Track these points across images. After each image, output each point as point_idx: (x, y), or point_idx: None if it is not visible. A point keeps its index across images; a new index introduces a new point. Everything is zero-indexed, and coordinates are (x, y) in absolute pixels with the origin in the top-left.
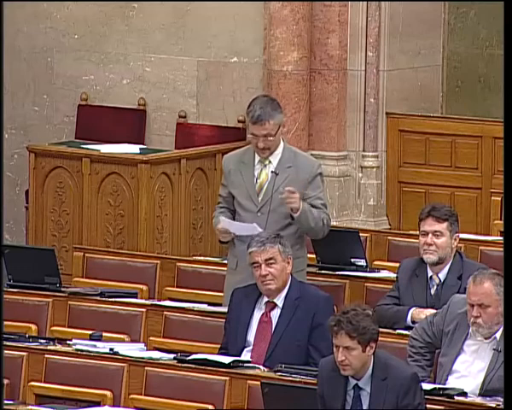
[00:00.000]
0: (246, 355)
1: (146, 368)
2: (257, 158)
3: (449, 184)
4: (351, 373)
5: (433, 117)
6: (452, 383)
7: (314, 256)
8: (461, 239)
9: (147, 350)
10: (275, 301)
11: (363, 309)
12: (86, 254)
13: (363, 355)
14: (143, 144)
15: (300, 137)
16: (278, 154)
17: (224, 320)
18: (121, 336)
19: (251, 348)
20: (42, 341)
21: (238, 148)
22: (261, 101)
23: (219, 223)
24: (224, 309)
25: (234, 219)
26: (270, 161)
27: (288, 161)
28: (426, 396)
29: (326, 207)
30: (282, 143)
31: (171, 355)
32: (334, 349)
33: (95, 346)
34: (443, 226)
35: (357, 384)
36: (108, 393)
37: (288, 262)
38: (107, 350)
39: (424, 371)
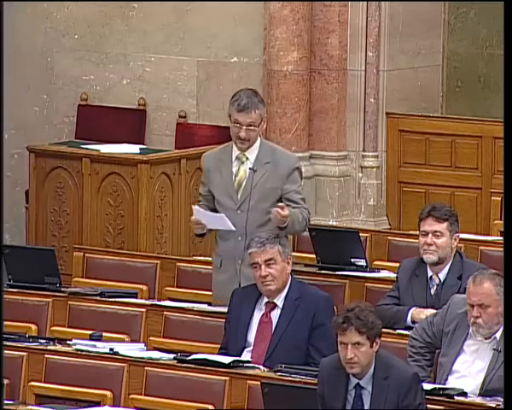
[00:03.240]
0: (246, 355)
1: (146, 368)
2: (234, 155)
3: (449, 184)
4: (357, 371)
5: (433, 117)
6: (452, 383)
7: (314, 256)
8: (461, 239)
9: (147, 350)
10: (275, 301)
11: (365, 305)
12: (86, 254)
13: (370, 351)
14: (143, 144)
15: (300, 137)
16: (255, 149)
17: (224, 320)
18: (121, 336)
19: (251, 348)
20: (42, 341)
21: None
22: (248, 91)
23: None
24: (224, 309)
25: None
26: (247, 158)
27: (266, 157)
28: (426, 396)
29: (304, 202)
30: (258, 139)
31: (171, 355)
32: (341, 347)
33: (95, 346)
34: (443, 226)
35: (358, 384)
36: (108, 393)
37: (288, 262)
38: (107, 350)
39: (424, 371)
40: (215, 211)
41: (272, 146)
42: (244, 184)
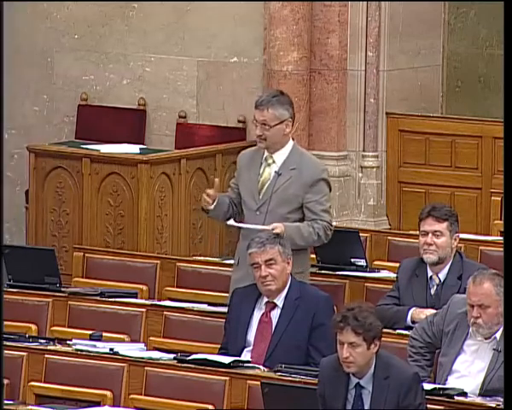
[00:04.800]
0: (246, 355)
1: (146, 368)
2: (264, 156)
3: (449, 184)
4: (354, 370)
5: (433, 117)
6: (452, 383)
7: (314, 256)
8: (461, 239)
9: (147, 350)
10: (275, 301)
11: (367, 306)
12: (86, 254)
13: (367, 353)
14: (143, 144)
15: (300, 137)
16: (284, 154)
17: (224, 320)
18: (121, 336)
19: (251, 348)
20: (42, 341)
21: (238, 148)
22: (273, 91)
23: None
24: (224, 309)
25: (233, 210)
26: (274, 161)
27: (293, 163)
28: (426, 396)
29: (328, 213)
30: (290, 144)
31: (171, 355)
32: (338, 346)
33: (95, 346)
34: (443, 226)
35: (358, 383)
36: (108, 393)
37: (288, 263)
38: (107, 350)
39: (424, 371)
40: (235, 203)
41: (302, 152)
42: (266, 186)
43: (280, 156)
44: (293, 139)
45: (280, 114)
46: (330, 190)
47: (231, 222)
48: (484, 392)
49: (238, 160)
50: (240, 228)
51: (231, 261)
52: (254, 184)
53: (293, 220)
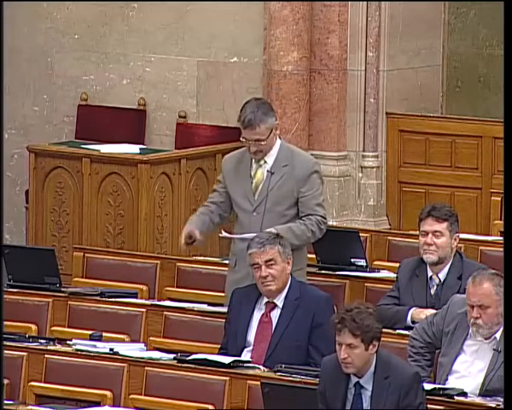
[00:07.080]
0: (246, 355)
1: (146, 368)
2: (253, 158)
3: (449, 184)
4: (353, 371)
5: (433, 117)
6: (452, 383)
7: (314, 256)
8: (461, 239)
9: (147, 350)
10: (275, 301)
11: (366, 307)
12: (86, 254)
13: (365, 354)
14: (143, 144)
15: (300, 137)
16: (274, 154)
17: (224, 320)
18: (121, 336)
19: (251, 348)
20: (42, 341)
21: (238, 148)
22: (252, 104)
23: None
24: (224, 309)
25: (211, 220)
26: (265, 161)
27: (284, 160)
28: (426, 396)
29: (322, 207)
30: (278, 143)
31: (171, 355)
32: (337, 347)
33: (95, 346)
34: (443, 226)
35: (358, 382)
36: (108, 393)
37: (288, 263)
38: (107, 350)
39: (424, 371)
40: (224, 207)
41: (291, 149)
42: (261, 186)
43: (270, 156)
44: (279, 138)
45: (270, 124)
46: (322, 182)
47: (224, 234)
48: (484, 392)
49: (223, 164)
50: (230, 238)
51: None
52: (248, 187)
53: (291, 217)
